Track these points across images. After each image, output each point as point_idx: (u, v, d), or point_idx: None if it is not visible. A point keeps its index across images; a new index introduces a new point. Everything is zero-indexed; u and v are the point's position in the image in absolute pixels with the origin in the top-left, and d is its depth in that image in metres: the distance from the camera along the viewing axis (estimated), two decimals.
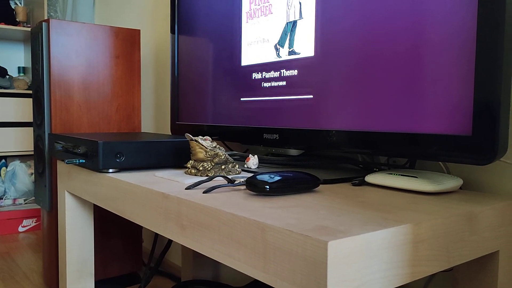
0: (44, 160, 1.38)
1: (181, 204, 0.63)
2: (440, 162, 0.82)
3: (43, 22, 1.36)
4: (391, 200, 0.63)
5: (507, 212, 0.64)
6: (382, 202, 0.61)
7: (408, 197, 0.65)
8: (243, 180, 0.69)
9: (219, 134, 1.13)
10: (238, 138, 1.07)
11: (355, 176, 0.80)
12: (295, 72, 0.91)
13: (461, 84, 0.63)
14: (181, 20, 1.28)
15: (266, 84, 0.98)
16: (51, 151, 1.15)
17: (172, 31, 1.31)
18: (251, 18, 1.02)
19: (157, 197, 0.68)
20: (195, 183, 0.70)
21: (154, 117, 1.83)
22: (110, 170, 0.87)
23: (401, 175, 0.72)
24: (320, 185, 0.74)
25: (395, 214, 0.54)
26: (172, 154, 0.92)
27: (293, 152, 0.98)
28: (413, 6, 0.69)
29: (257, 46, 1.00)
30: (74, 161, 0.92)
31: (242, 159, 1.02)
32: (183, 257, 1.38)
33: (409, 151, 0.71)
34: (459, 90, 0.63)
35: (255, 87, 1.01)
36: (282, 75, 0.94)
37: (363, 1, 0.77)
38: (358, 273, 0.45)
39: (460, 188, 0.75)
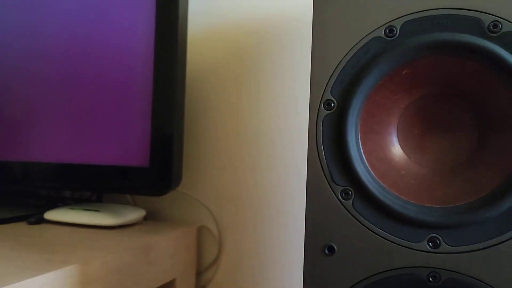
0: None
1: None
2: (127, 194, 0.82)
3: None
4: (68, 238, 0.57)
5: (182, 240, 0.67)
6: (56, 241, 0.55)
7: (88, 233, 0.61)
8: None
9: None
10: None
11: (34, 213, 0.71)
12: None
13: (141, 120, 0.64)
14: None
15: None
16: None
17: None
18: None
19: None
20: None
21: None
22: None
23: (84, 209, 0.68)
24: None
25: (65, 254, 0.49)
26: None
27: None
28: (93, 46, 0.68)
29: None
30: None
31: None
32: None
33: (91, 184, 0.68)
34: (139, 125, 0.64)
35: None
36: None
37: (40, 19, 0.71)
38: None
39: (145, 219, 0.77)
